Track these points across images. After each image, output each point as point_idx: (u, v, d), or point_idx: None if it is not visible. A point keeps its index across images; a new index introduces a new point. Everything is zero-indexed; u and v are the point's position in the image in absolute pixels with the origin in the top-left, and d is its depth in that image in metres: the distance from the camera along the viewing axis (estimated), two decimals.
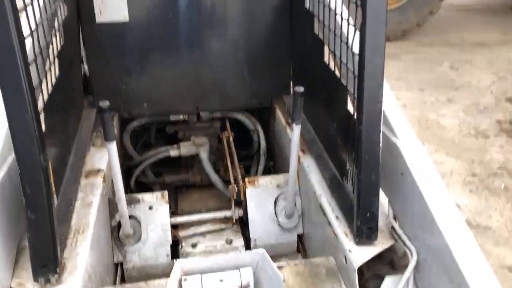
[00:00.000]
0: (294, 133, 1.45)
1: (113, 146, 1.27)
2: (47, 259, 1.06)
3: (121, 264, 1.53)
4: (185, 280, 1.11)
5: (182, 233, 1.66)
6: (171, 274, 1.10)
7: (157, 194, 1.60)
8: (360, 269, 1.20)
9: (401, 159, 1.24)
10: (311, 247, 1.62)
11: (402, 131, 1.31)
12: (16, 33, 0.91)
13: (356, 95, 1.23)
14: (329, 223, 1.35)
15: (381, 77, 1.19)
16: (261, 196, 1.66)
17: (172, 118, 2.07)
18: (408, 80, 4.25)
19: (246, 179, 1.67)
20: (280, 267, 1.30)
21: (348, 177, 1.35)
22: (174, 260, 1.38)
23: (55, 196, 1.11)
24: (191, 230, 1.67)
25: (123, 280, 1.52)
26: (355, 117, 1.24)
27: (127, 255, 1.51)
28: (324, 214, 1.39)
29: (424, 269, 1.18)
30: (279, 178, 1.69)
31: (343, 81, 1.37)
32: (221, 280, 1.12)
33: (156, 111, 2.01)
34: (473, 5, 6.80)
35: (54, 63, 1.32)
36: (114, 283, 1.48)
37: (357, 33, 1.21)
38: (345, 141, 1.37)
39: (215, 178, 1.90)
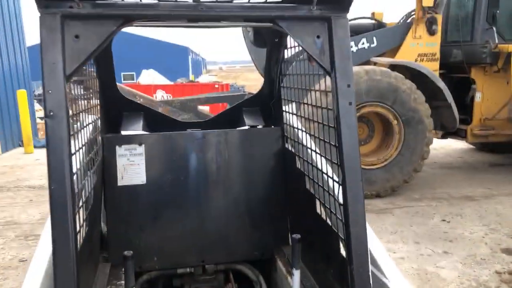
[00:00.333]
0: (295, 279, 1.57)
1: None
2: None
3: None
4: None
5: None
6: None
7: None
8: None
9: None
10: None
11: (390, 272, 1.44)
12: (71, 205, 1.18)
13: (345, 239, 1.41)
14: None
15: (363, 221, 1.38)
16: None
17: (179, 271, 2.18)
18: (402, 234, 4.40)
19: None
20: None
21: None
22: None
23: None
24: None
25: None
26: (347, 261, 1.40)
27: None
28: None
29: None
30: None
31: (335, 229, 1.57)
32: None
33: (165, 265, 2.14)
34: (454, 163, 7.39)
35: (86, 220, 1.54)
36: None
37: (341, 188, 1.46)
38: (342, 283, 1.49)
39: None
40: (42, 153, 9.77)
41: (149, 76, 21.42)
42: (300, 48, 1.53)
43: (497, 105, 6.18)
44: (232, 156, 2.20)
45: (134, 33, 31.55)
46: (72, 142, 1.33)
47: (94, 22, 1.31)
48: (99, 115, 2.11)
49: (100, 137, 2.08)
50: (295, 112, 2.18)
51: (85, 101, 1.89)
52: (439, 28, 6.14)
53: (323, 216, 1.72)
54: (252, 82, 26.17)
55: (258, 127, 2.35)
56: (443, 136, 6.75)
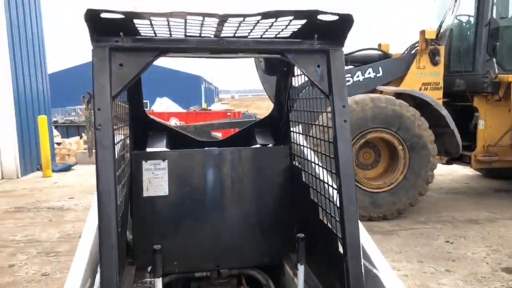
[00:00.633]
0: (299, 274, 1.81)
1: (159, 282, 1.64)
2: None
3: None
4: None
5: None
6: None
7: None
8: None
9: (380, 283, 1.58)
10: None
11: (380, 265, 1.68)
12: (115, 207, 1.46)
13: (342, 240, 1.66)
14: None
15: (356, 220, 1.63)
16: None
17: (197, 275, 2.41)
18: (407, 254, 4.57)
19: None
20: None
21: None
22: None
23: None
24: None
25: None
26: (344, 258, 1.64)
27: None
28: None
29: None
30: None
31: (334, 230, 1.81)
32: None
33: (184, 269, 2.37)
34: (460, 189, 7.54)
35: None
36: None
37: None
38: (340, 278, 1.72)
39: None
40: (60, 177, 10.13)
41: (163, 104, 21.92)
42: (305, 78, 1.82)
43: (499, 132, 6.39)
44: (245, 171, 2.45)
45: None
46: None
47: (135, 54, 1.62)
48: (128, 134, 2.40)
49: (128, 153, 2.36)
50: (301, 132, 2.45)
51: (118, 121, 2.18)
52: (441, 59, 6.44)
53: (325, 221, 1.97)
54: (264, 110, 26.59)
55: (268, 145, 2.62)
56: (448, 162, 6.94)
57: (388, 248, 4.73)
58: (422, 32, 6.40)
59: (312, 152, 2.28)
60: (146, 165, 2.35)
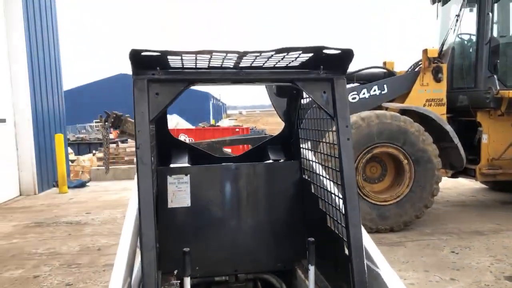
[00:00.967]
0: (310, 274, 2.05)
1: (188, 280, 1.89)
2: None
3: None
4: None
5: None
6: None
7: None
8: None
9: (382, 281, 1.82)
10: None
11: (381, 264, 1.91)
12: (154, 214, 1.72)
13: (346, 239, 1.90)
14: None
15: (359, 225, 1.88)
16: None
17: (217, 279, 2.65)
18: (413, 263, 4.76)
19: None
20: None
21: None
22: None
23: None
24: None
25: None
26: (349, 259, 1.88)
27: None
28: None
29: None
30: None
31: (340, 235, 2.06)
32: None
33: (205, 273, 2.61)
34: (467, 202, 7.71)
35: None
36: None
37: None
38: (346, 278, 1.96)
39: None
40: (75, 193, 10.45)
41: (172, 121, 22.35)
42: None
43: (503, 146, 6.59)
44: (259, 184, 2.71)
45: None
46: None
47: (168, 84, 1.91)
48: (154, 152, 2.68)
49: (155, 169, 2.63)
50: (310, 148, 2.72)
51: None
52: (444, 76, 6.70)
53: (332, 227, 2.21)
54: (272, 125, 26.87)
55: (280, 161, 2.88)
56: (454, 175, 7.13)
57: (395, 259, 4.92)
58: (425, 51, 6.67)
59: (320, 166, 2.54)
60: (171, 179, 2.61)
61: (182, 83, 1.92)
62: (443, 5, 7.65)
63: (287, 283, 2.67)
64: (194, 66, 1.98)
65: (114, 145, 14.00)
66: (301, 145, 2.80)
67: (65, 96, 12.98)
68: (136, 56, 1.78)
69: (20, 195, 10.42)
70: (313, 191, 2.54)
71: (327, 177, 2.35)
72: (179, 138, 2.97)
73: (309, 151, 2.73)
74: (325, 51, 1.84)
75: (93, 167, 13.23)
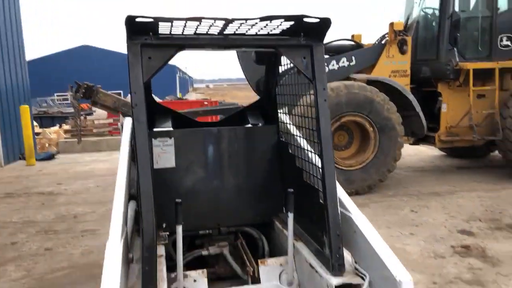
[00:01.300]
0: (289, 220, 2.29)
1: (180, 228, 2.09)
2: None
3: None
4: None
5: None
6: None
7: (200, 271, 2.32)
8: None
9: (353, 223, 2.09)
10: None
11: (352, 209, 2.18)
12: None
13: (322, 192, 2.15)
14: (316, 271, 2.10)
15: (334, 177, 2.12)
16: (270, 272, 2.39)
17: (201, 232, 2.87)
18: (377, 222, 5.14)
19: (259, 260, 2.42)
20: None
21: (325, 244, 2.15)
22: None
23: None
24: None
25: None
26: (324, 205, 2.13)
27: None
28: (312, 267, 2.14)
29: (374, 286, 1.91)
30: (281, 259, 2.44)
31: (316, 186, 2.30)
32: None
33: (190, 228, 2.81)
34: (426, 167, 8.24)
35: None
36: None
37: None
38: (321, 223, 2.21)
39: (235, 265, 2.62)
40: (43, 165, 10.33)
41: None
42: (291, 66, 2.29)
43: (460, 115, 7.05)
44: (239, 146, 2.91)
45: (122, 52, 32.17)
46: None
47: (160, 49, 2.05)
48: None
49: None
50: (286, 112, 2.93)
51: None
52: (409, 48, 7.02)
53: (308, 181, 2.45)
54: (241, 99, 26.89)
55: (259, 125, 3.08)
56: (415, 143, 7.58)
57: None
58: (391, 24, 6.95)
59: (295, 128, 2.76)
60: (156, 142, 2.77)
61: (173, 47, 2.07)
62: None
63: (266, 234, 2.92)
64: (183, 33, 2.13)
65: (82, 117, 13.75)
66: (278, 110, 3.00)
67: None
68: (131, 22, 1.91)
69: None
70: (290, 151, 2.77)
71: (303, 136, 2.58)
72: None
73: (286, 115, 2.95)
74: (305, 19, 2.03)
75: (61, 140, 13.01)
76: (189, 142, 2.85)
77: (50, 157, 11.33)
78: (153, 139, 2.77)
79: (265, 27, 2.13)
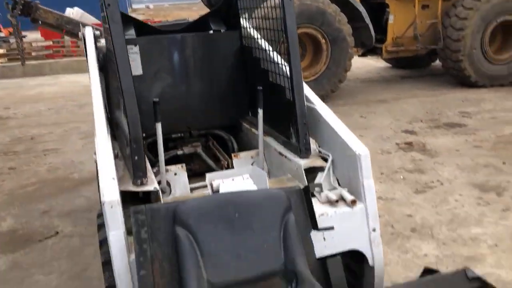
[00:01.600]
0: (259, 116, 2.51)
1: (159, 125, 2.25)
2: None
3: None
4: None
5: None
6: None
7: (179, 166, 2.52)
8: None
9: (317, 113, 2.34)
10: None
11: (316, 102, 2.42)
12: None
13: (290, 87, 2.34)
14: (285, 157, 2.36)
15: (301, 75, 2.30)
16: (242, 164, 2.64)
17: (173, 136, 3.04)
18: None
19: (232, 154, 2.66)
20: None
21: (292, 135, 2.39)
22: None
23: None
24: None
25: None
26: (292, 99, 2.33)
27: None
28: (282, 154, 2.41)
29: (336, 164, 2.22)
30: (252, 152, 2.69)
31: (283, 85, 2.50)
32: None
33: (163, 131, 2.97)
34: (373, 78, 8.69)
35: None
36: None
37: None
38: (288, 116, 2.43)
39: (210, 162, 2.86)
40: None
41: (74, 14, 20.47)
42: None
43: (405, 26, 7.35)
44: (204, 52, 2.99)
45: None
46: None
47: None
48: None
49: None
50: (247, 18, 3.02)
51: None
52: None
53: (274, 81, 2.63)
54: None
55: (222, 31, 3.16)
56: (363, 54, 7.90)
57: None
58: None
59: (257, 32, 2.88)
60: None
61: None
62: None
63: (234, 136, 3.15)
64: None
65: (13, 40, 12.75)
66: (240, 16, 3.07)
67: None
68: None
69: None
70: (254, 55, 2.91)
71: (264, 38, 2.71)
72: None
73: (247, 20, 3.03)
74: None
75: (1, 64, 12.18)
76: (154, 50, 2.90)
77: None
78: None
79: None
